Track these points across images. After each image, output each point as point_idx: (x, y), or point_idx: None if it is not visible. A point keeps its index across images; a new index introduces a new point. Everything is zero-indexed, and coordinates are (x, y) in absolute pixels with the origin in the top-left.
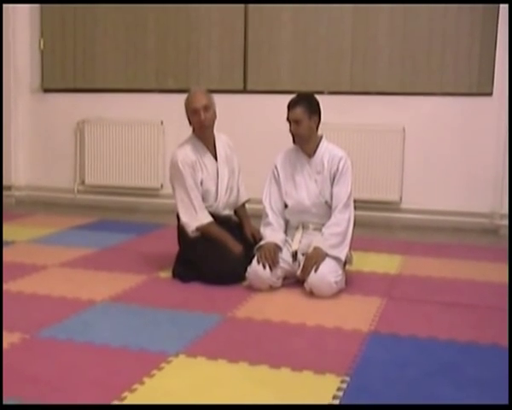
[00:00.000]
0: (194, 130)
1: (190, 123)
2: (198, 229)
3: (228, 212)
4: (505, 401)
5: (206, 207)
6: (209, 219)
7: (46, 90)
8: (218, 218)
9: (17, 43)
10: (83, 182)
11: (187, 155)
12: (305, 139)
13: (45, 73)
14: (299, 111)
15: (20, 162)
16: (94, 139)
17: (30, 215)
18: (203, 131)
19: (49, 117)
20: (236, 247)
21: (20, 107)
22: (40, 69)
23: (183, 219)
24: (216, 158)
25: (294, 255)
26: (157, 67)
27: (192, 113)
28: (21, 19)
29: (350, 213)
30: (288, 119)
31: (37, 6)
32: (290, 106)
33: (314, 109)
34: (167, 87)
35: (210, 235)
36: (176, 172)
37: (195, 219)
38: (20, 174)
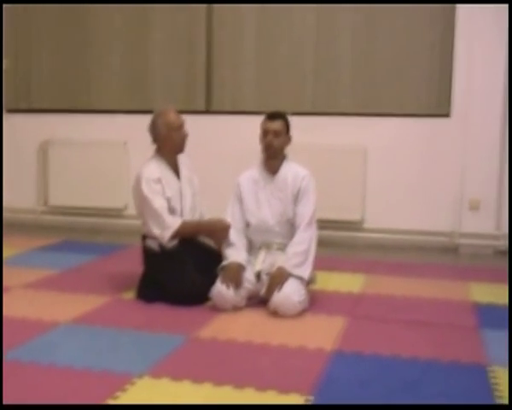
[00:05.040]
0: (159, 149)
1: (155, 141)
2: (173, 236)
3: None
4: None
5: None
6: (178, 221)
7: (9, 111)
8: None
9: None
10: (46, 203)
11: (152, 172)
12: (277, 153)
13: (9, 94)
14: (280, 123)
15: None
16: (57, 160)
17: None
18: (183, 148)
19: (13, 138)
20: (221, 224)
21: None
22: (4, 89)
23: (156, 232)
24: (178, 178)
25: (258, 275)
26: (121, 88)
27: (176, 129)
28: None
29: (313, 232)
30: (264, 130)
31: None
32: (271, 117)
33: (289, 128)
34: (131, 108)
35: (186, 234)
36: (140, 190)
37: (166, 227)
38: None
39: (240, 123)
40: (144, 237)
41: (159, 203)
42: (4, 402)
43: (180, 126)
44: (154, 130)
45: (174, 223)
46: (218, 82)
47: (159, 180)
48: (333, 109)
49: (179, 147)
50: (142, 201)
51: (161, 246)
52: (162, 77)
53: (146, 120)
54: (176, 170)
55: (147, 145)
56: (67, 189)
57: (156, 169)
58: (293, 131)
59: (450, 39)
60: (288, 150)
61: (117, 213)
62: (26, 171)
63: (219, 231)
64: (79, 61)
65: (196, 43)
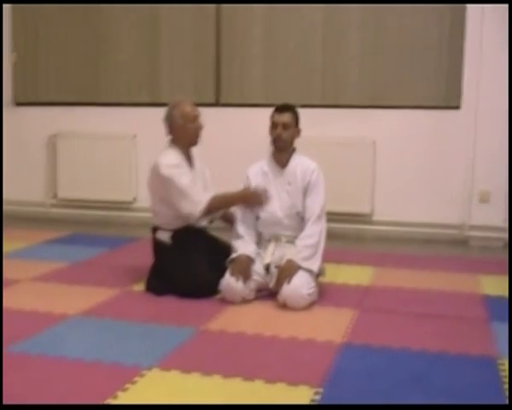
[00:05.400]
0: (174, 140)
1: (170, 132)
2: (205, 211)
3: (204, 223)
4: None
5: None
6: (208, 196)
7: (18, 104)
8: (193, 228)
9: None
10: (55, 196)
11: (171, 159)
12: (286, 146)
13: (17, 87)
14: (289, 115)
15: None
16: (66, 153)
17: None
18: (197, 140)
19: (22, 130)
20: (252, 190)
21: None
22: (12, 83)
23: (185, 210)
24: (192, 169)
25: (267, 268)
26: (130, 81)
27: (191, 120)
28: None
29: (322, 225)
30: (273, 123)
31: (8, 19)
32: (280, 110)
33: (299, 120)
34: (140, 101)
35: (219, 208)
36: (161, 174)
37: (196, 203)
38: None
39: (249, 115)
40: (154, 230)
41: (184, 182)
42: (13, 395)
43: (195, 118)
44: (170, 120)
45: (204, 198)
46: (227, 75)
47: (178, 166)
48: (342, 102)
49: (194, 138)
50: (165, 184)
51: (172, 238)
52: (171, 70)
53: (155, 112)
54: (189, 161)
55: (156, 138)
56: (76, 182)
57: (174, 157)
58: (302, 124)
59: (459, 31)
60: (297, 143)
61: (126, 205)
62: (34, 164)
63: (254, 196)
64: (88, 55)
65: (205, 39)
